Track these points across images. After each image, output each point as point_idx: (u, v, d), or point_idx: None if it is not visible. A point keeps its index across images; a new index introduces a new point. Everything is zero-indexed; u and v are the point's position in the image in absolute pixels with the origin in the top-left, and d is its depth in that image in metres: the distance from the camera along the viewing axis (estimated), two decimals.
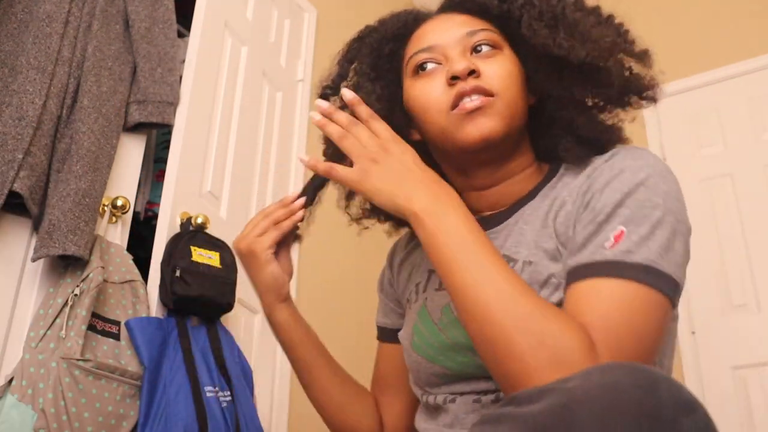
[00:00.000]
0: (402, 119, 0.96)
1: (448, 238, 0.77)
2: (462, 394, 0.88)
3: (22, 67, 1.49)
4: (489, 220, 0.94)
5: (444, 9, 0.99)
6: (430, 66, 0.91)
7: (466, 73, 0.86)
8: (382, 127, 0.86)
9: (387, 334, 1.10)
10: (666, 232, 0.76)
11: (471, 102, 0.86)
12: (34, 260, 1.43)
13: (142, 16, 1.79)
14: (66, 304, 1.40)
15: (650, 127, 3.28)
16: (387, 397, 1.07)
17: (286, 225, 0.97)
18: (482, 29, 0.92)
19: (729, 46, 3.21)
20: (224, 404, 1.55)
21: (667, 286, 0.74)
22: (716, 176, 3.06)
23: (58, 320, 1.39)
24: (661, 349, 0.87)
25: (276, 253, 0.98)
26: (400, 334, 1.01)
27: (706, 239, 2.98)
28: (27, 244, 1.48)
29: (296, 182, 2.37)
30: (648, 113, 3.31)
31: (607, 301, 0.72)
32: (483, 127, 0.85)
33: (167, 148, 1.88)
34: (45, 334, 1.37)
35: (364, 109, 0.88)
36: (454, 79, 0.87)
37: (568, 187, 0.88)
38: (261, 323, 2.05)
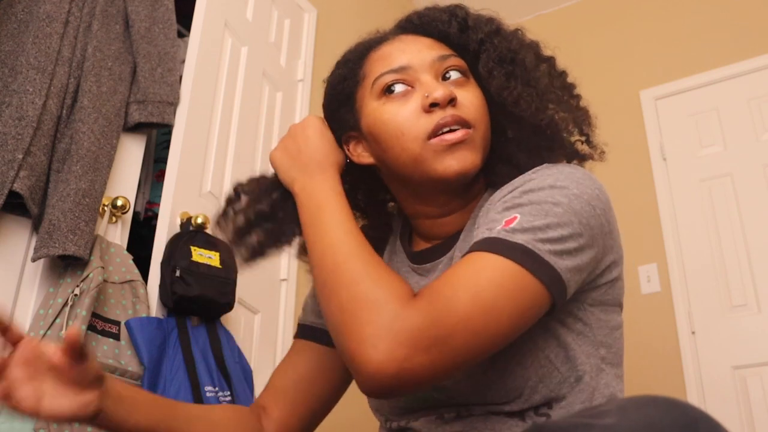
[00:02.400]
0: (346, 140, 0.94)
1: (311, 211, 0.86)
2: (425, 415, 0.87)
3: (22, 67, 1.49)
4: (433, 250, 0.93)
5: (404, 30, 0.94)
6: (400, 88, 0.87)
7: (446, 101, 0.84)
8: None
9: (313, 333, 1.01)
10: (561, 230, 0.74)
11: (452, 134, 0.83)
12: (34, 260, 1.43)
13: (142, 16, 1.79)
14: (66, 304, 1.40)
15: (650, 127, 3.28)
16: (286, 410, 0.96)
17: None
18: (452, 55, 0.89)
19: (729, 46, 3.21)
20: (224, 404, 1.55)
21: (542, 273, 0.72)
22: (716, 176, 3.06)
23: (58, 320, 1.39)
24: (613, 361, 0.86)
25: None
26: None
27: (706, 239, 2.98)
28: (27, 244, 1.48)
29: None
30: (648, 113, 3.31)
31: (462, 269, 0.73)
32: (464, 160, 0.83)
33: (167, 148, 1.88)
34: (45, 334, 1.37)
35: None
36: (432, 106, 0.84)
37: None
38: (261, 323, 2.05)
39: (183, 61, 1.97)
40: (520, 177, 0.84)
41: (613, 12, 3.61)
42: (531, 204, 0.76)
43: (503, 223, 0.75)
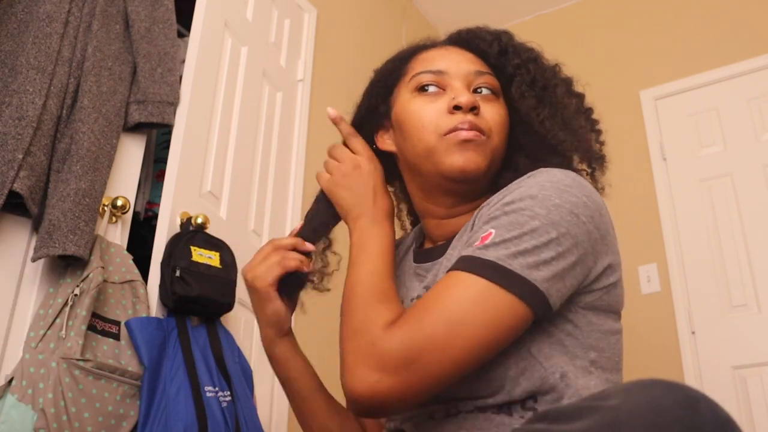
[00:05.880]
0: (377, 126, 1.02)
1: (361, 247, 0.90)
2: (417, 415, 0.90)
3: (22, 67, 1.49)
4: (432, 251, 0.98)
5: (453, 41, 1.02)
6: (432, 89, 0.94)
7: (469, 107, 0.90)
8: (359, 145, 1.00)
9: None
10: (536, 241, 0.76)
11: (469, 132, 0.89)
12: (34, 260, 1.43)
13: (142, 16, 1.79)
14: (66, 304, 1.40)
15: (650, 127, 3.28)
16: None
17: (292, 264, 0.97)
18: (488, 73, 0.96)
19: (729, 46, 3.21)
20: (224, 404, 1.55)
21: (514, 287, 0.75)
22: (716, 176, 3.06)
23: (58, 320, 1.39)
24: (606, 366, 0.86)
25: (282, 290, 0.98)
26: None
27: (706, 239, 2.98)
28: (27, 244, 1.48)
29: (296, 182, 2.37)
30: (648, 113, 3.31)
31: (437, 289, 0.77)
32: (470, 159, 0.89)
33: (167, 148, 1.88)
34: (45, 334, 1.37)
35: (344, 127, 1.01)
36: (456, 108, 0.91)
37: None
38: None
39: (183, 61, 1.97)
40: (514, 182, 0.86)
41: (613, 12, 3.61)
42: (507, 216, 0.79)
43: (479, 239, 0.79)
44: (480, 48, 0.98)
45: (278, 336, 1.00)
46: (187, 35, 2.03)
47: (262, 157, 2.22)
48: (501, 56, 0.97)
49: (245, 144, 2.14)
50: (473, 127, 0.89)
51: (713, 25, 3.30)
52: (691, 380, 2.79)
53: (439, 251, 0.96)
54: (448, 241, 0.96)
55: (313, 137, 2.49)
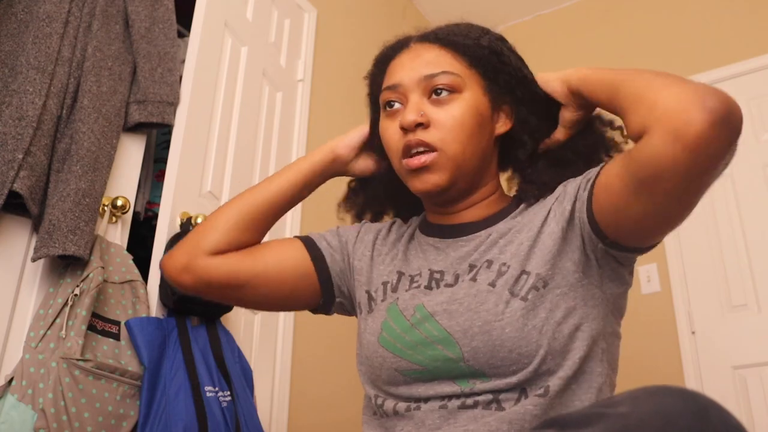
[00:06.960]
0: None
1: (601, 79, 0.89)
2: (426, 400, 0.88)
3: (22, 67, 1.49)
4: (462, 227, 0.99)
5: (421, 38, 1.01)
6: (396, 105, 0.97)
7: (412, 126, 0.92)
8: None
9: (313, 250, 1.07)
10: None
11: (415, 160, 0.92)
12: (34, 260, 1.43)
13: (142, 16, 1.79)
14: (66, 304, 1.40)
15: None
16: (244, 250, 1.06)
17: None
18: (443, 72, 0.95)
19: (729, 46, 3.21)
20: (224, 404, 1.55)
21: None
22: None
23: (58, 320, 1.39)
24: (612, 367, 0.93)
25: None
26: (365, 329, 0.99)
27: (706, 239, 2.98)
28: (27, 244, 1.48)
29: None
30: None
31: None
32: (427, 182, 0.93)
33: (167, 148, 1.88)
34: (45, 334, 1.37)
35: None
36: (403, 128, 0.93)
37: (538, 212, 0.94)
38: (261, 323, 2.05)
39: (183, 61, 1.97)
40: (558, 190, 0.95)
41: (613, 12, 3.61)
42: None
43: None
44: (450, 41, 0.99)
45: (334, 164, 1.09)
46: (187, 35, 2.03)
47: (262, 157, 2.22)
48: (475, 47, 0.99)
49: (245, 144, 2.14)
50: (419, 144, 0.92)
51: (713, 24, 3.30)
52: (691, 380, 2.79)
53: (468, 229, 0.98)
54: (477, 223, 0.98)
55: (313, 137, 2.49)
